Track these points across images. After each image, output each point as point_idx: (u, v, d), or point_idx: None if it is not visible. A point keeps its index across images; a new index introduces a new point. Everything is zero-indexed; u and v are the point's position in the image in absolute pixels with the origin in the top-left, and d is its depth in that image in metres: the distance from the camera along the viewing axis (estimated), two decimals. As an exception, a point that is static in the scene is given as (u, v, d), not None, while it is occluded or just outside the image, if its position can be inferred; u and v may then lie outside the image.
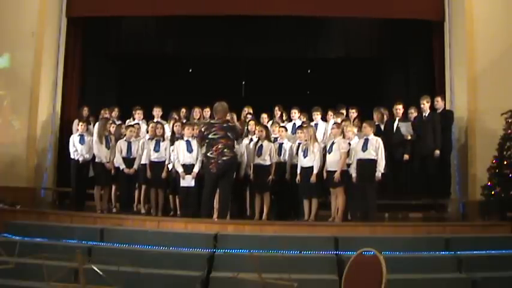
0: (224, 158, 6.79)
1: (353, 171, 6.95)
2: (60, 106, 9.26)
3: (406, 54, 10.11)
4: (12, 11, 8.66)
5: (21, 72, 8.64)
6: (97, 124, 7.92)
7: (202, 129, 7.03)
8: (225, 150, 6.81)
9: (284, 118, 8.50)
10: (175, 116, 8.29)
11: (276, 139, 7.61)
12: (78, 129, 7.90)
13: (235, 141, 7.23)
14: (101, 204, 7.55)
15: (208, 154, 6.88)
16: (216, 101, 7.17)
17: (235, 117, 8.01)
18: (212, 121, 7.17)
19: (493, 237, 6.29)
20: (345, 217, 7.05)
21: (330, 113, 8.18)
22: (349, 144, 7.04)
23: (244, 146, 7.48)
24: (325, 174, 7.02)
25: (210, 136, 6.90)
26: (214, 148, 6.82)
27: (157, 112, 8.38)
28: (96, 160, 7.65)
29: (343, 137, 7.12)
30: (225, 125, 6.96)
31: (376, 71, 10.55)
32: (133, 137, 7.69)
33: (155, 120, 8.19)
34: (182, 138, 7.41)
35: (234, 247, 5.72)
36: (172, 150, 7.42)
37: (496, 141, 7.41)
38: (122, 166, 7.52)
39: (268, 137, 7.42)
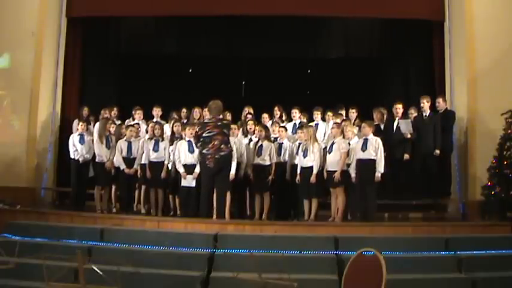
0: (221, 153, 6.83)
1: (353, 171, 6.96)
2: (60, 106, 9.25)
3: (406, 54, 10.09)
4: (12, 11, 8.66)
5: (21, 72, 8.64)
6: (97, 124, 7.93)
7: (197, 129, 7.09)
8: (222, 146, 6.85)
9: (284, 118, 8.49)
10: (175, 116, 8.30)
11: (276, 139, 7.61)
12: (78, 129, 7.89)
13: (236, 134, 7.34)
14: (101, 204, 7.55)
15: (204, 151, 6.91)
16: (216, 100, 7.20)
17: (229, 116, 7.98)
18: (206, 120, 7.21)
19: (493, 237, 6.30)
20: (345, 217, 7.05)
21: (329, 114, 8.16)
22: (349, 144, 7.05)
23: (244, 146, 7.48)
24: (325, 174, 7.03)
25: (204, 135, 6.93)
26: (210, 145, 6.86)
27: (157, 112, 8.38)
28: (97, 160, 7.66)
29: (343, 137, 7.12)
30: (219, 123, 6.99)
31: (376, 71, 10.54)
32: (133, 136, 7.69)
33: (155, 120, 8.20)
34: (182, 138, 7.42)
35: (234, 247, 5.73)
36: (172, 151, 7.43)
37: (496, 141, 7.41)
38: (122, 166, 7.52)
39: (267, 137, 7.42)
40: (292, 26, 9.74)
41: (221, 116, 7.27)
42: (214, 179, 6.88)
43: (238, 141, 7.40)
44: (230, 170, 7.00)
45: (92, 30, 9.84)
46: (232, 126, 7.41)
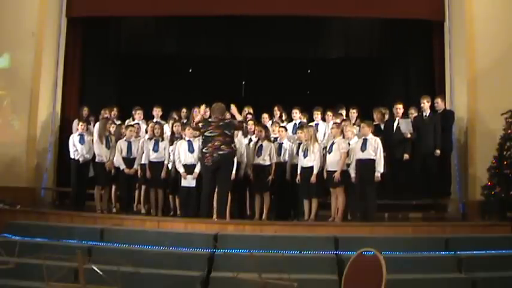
0: (220, 152, 6.82)
1: (352, 171, 6.96)
2: (60, 106, 9.26)
3: (406, 54, 10.09)
4: (12, 11, 8.66)
5: (21, 72, 8.64)
6: (97, 124, 7.93)
7: (200, 126, 7.10)
8: (222, 146, 6.85)
9: (284, 118, 8.49)
10: (175, 116, 8.30)
11: (276, 139, 7.61)
12: (78, 129, 7.89)
13: (236, 134, 7.28)
14: (101, 204, 7.55)
15: (203, 150, 6.93)
16: (216, 100, 7.21)
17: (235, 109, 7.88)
18: (210, 119, 7.21)
19: (493, 237, 6.29)
20: (345, 217, 7.06)
21: (329, 114, 8.16)
22: (349, 144, 7.05)
23: (244, 146, 7.48)
24: (325, 174, 7.03)
25: (206, 134, 6.94)
26: (210, 144, 6.86)
27: (157, 112, 8.39)
28: (97, 160, 7.66)
29: (343, 137, 7.13)
30: (221, 123, 7.00)
31: (376, 71, 10.54)
32: (133, 136, 7.69)
33: (155, 120, 8.20)
34: (182, 138, 7.42)
35: (234, 247, 5.73)
36: (172, 151, 7.43)
37: (496, 141, 7.42)
38: (122, 166, 7.52)
39: (267, 137, 7.43)
40: (292, 26, 9.73)
41: (222, 117, 7.28)
42: (216, 179, 6.88)
43: (238, 141, 7.39)
44: (231, 169, 7.01)
45: (92, 30, 9.84)
46: None
